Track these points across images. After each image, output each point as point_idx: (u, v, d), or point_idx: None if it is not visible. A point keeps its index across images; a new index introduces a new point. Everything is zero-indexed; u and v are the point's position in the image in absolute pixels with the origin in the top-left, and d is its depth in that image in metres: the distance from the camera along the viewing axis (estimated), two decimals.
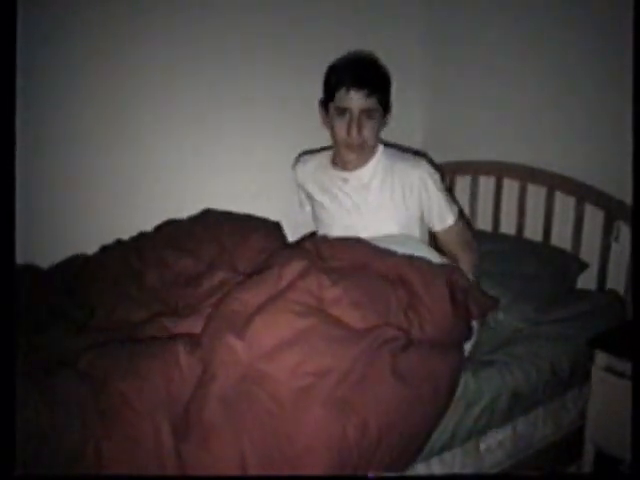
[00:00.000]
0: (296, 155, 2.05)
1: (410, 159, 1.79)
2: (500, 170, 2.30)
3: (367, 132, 1.69)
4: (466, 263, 1.77)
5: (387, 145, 1.84)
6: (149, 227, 1.97)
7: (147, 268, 1.72)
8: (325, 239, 1.73)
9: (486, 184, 2.37)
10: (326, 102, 1.76)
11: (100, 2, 1.85)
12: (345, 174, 1.79)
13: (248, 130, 2.17)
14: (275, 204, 2.08)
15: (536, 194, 2.21)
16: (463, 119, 2.44)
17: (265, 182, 2.12)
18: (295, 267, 1.47)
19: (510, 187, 2.29)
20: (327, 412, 1.23)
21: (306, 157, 1.95)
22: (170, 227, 1.94)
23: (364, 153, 1.74)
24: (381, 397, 1.29)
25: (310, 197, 1.91)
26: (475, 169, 2.39)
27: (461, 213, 1.86)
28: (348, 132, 1.68)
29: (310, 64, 2.22)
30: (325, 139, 1.84)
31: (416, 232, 1.78)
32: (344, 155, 1.75)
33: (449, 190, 1.87)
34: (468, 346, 1.63)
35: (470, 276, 1.70)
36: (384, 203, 1.75)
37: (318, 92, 1.78)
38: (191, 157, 2.10)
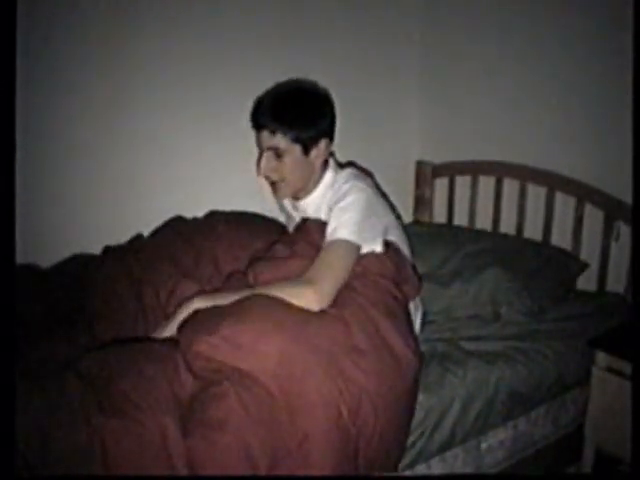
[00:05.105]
0: None
1: (343, 189, 1.61)
2: (500, 170, 2.30)
3: (279, 169, 1.63)
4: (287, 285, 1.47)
5: (343, 166, 1.75)
6: (150, 227, 1.96)
7: (145, 280, 1.70)
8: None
9: (486, 184, 2.37)
10: None
11: (100, 3, 1.85)
12: (295, 202, 1.76)
13: (248, 131, 2.17)
14: (273, 204, 2.08)
15: (536, 194, 2.21)
16: (463, 119, 2.44)
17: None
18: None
19: (510, 187, 2.30)
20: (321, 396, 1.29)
21: None
22: (172, 231, 1.92)
23: (290, 188, 1.67)
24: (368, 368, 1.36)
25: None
26: (475, 169, 2.39)
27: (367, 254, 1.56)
28: (257, 170, 1.67)
29: (310, 64, 2.22)
30: None
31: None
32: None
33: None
34: None
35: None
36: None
37: None
38: (192, 157, 2.10)
